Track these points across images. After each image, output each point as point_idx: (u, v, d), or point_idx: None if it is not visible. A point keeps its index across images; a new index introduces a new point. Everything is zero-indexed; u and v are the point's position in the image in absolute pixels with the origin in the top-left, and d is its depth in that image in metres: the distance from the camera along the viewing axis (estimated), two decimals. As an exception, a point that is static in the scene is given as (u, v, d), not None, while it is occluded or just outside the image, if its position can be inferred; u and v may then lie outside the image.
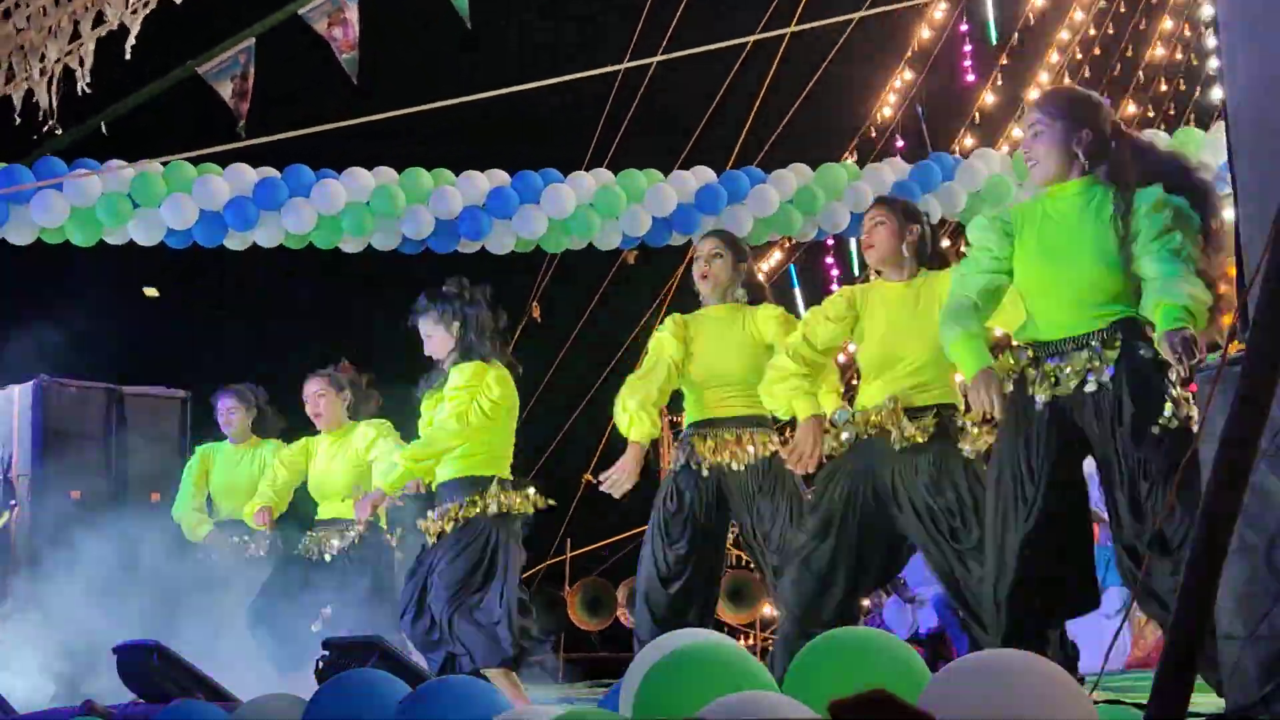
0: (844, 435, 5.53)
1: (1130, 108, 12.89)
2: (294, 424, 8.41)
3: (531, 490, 6.52)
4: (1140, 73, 13.02)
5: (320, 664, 5.68)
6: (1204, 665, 3.48)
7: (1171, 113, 12.60)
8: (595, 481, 6.65)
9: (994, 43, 13.19)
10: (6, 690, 6.74)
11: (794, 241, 12.05)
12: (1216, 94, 9.98)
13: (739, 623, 11.53)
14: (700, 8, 11.27)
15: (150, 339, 11.66)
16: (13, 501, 9.15)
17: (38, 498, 9.11)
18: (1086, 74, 13.28)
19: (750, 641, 11.45)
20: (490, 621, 6.15)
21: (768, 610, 11.17)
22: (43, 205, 8.49)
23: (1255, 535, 3.34)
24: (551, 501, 6.63)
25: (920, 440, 5.39)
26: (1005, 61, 13.30)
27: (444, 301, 6.54)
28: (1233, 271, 4.35)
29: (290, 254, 9.25)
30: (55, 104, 7.25)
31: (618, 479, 6.20)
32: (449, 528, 6.36)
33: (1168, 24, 13.08)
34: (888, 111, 13.07)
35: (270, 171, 8.87)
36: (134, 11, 7.10)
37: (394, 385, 7.90)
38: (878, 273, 5.74)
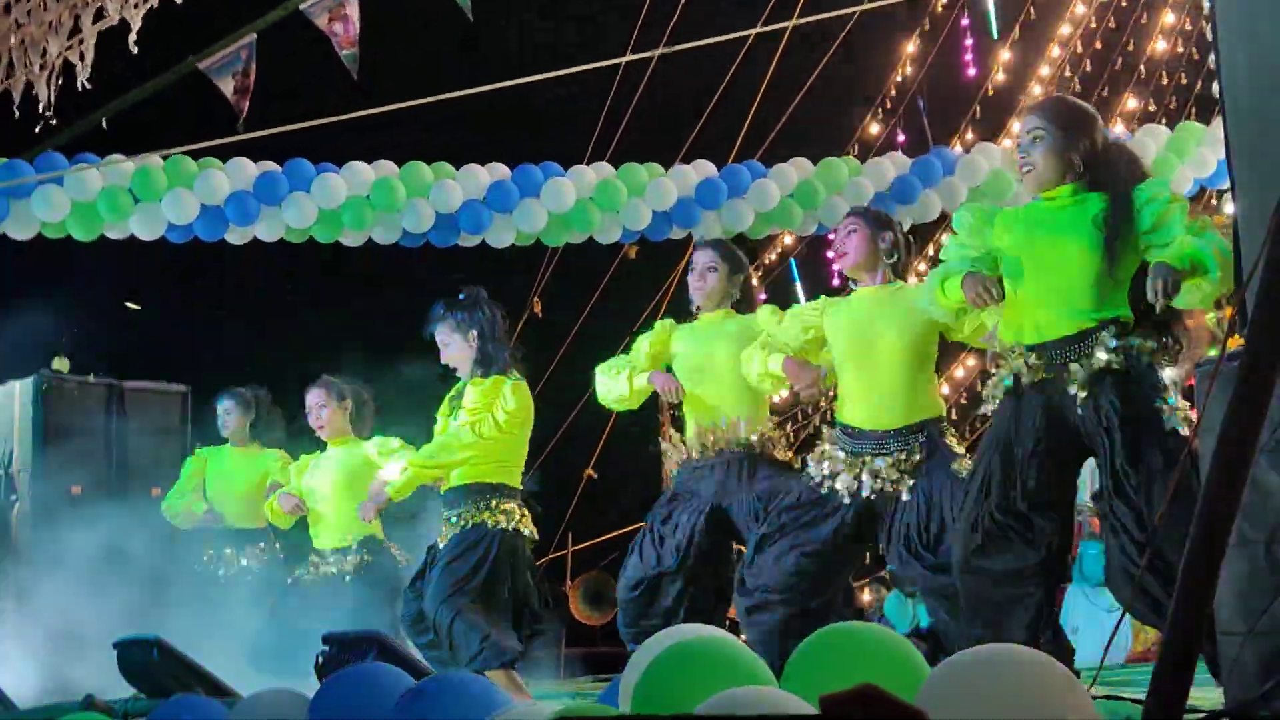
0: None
1: (1131, 102, 12.86)
2: (294, 424, 8.38)
3: (529, 526, 6.52)
4: (1142, 66, 13.00)
5: (320, 659, 5.68)
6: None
7: (1172, 106, 12.57)
8: (595, 476, 6.69)
9: (995, 36, 13.17)
10: (7, 686, 6.74)
11: (795, 237, 12.06)
12: (1218, 88, 9.99)
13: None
14: (701, 2, 11.26)
15: (151, 334, 11.66)
16: (14, 497, 9.16)
17: (38, 492, 9.12)
18: (1088, 68, 13.26)
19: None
20: (486, 627, 6.15)
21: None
22: (44, 200, 8.49)
23: (1255, 530, 3.34)
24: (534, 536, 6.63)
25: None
26: (1007, 55, 13.28)
27: (460, 310, 6.55)
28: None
29: (292, 249, 9.25)
30: (54, 98, 7.25)
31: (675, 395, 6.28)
32: (455, 532, 6.39)
33: (1169, 18, 13.05)
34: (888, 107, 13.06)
35: (271, 166, 8.87)
36: (135, 6, 7.10)
37: (394, 382, 7.90)
38: (853, 281, 5.82)
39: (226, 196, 8.78)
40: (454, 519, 6.42)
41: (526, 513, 6.53)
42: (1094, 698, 2.97)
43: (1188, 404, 4.62)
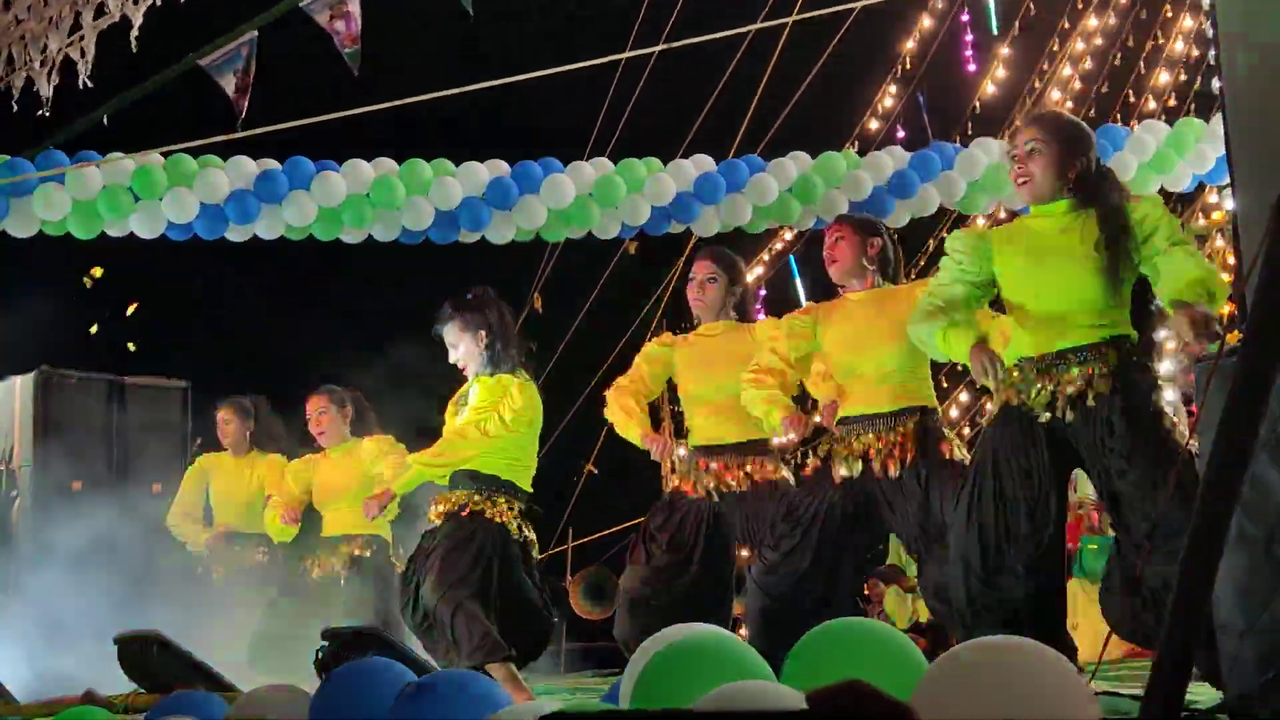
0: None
1: (1131, 97, 12.87)
2: (294, 424, 8.38)
3: (532, 533, 6.50)
4: (1142, 62, 13.00)
5: (319, 654, 5.68)
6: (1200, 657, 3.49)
7: (1172, 103, 12.58)
8: (596, 471, 6.69)
9: (995, 32, 13.17)
10: (6, 680, 6.75)
11: (795, 232, 12.06)
12: (1217, 84, 9.98)
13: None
14: (702, -3, 11.27)
15: (151, 329, 11.66)
16: (14, 493, 9.16)
17: (39, 488, 9.12)
18: (1088, 64, 13.27)
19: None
20: (486, 621, 6.13)
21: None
22: (45, 199, 8.48)
23: (1254, 526, 3.34)
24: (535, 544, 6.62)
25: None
26: (1007, 51, 13.28)
27: (469, 309, 6.52)
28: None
29: (293, 245, 9.24)
30: (51, 94, 7.25)
31: (663, 454, 6.37)
32: (445, 514, 6.34)
33: (1169, 13, 13.05)
34: (889, 102, 13.06)
35: (271, 163, 8.86)
36: (135, 3, 7.10)
37: (392, 379, 7.90)
38: (842, 288, 5.86)
39: (226, 195, 8.76)
40: (452, 499, 6.37)
41: (525, 518, 6.47)
42: (1094, 693, 2.97)
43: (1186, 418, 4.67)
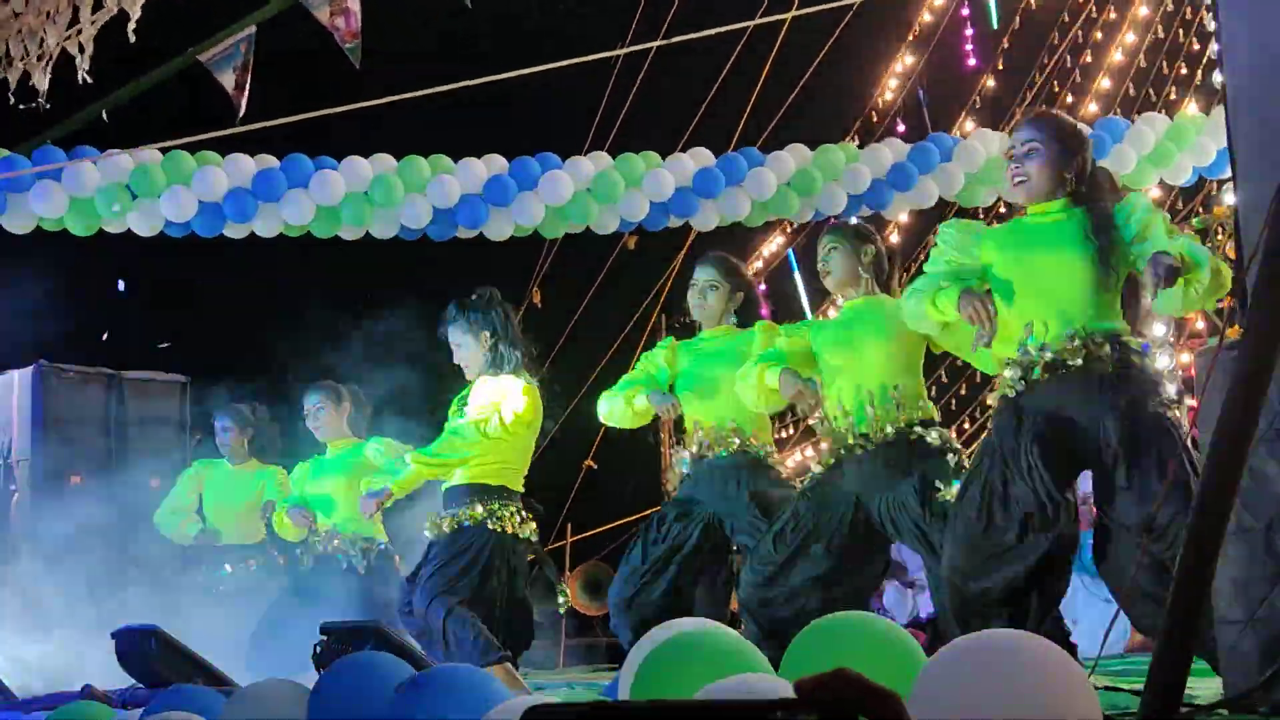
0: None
1: (1130, 91, 12.85)
2: (291, 426, 8.36)
3: (533, 525, 6.50)
4: (1141, 56, 12.98)
5: (318, 649, 5.67)
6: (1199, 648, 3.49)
7: (1172, 96, 12.56)
8: (595, 466, 6.68)
9: (995, 26, 13.16)
10: (5, 676, 6.75)
11: (795, 225, 12.05)
12: (1217, 78, 9.97)
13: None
14: (701, -8, 11.25)
15: (150, 324, 11.66)
16: (12, 487, 9.16)
17: (38, 483, 9.12)
18: (1088, 58, 13.25)
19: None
20: (479, 623, 6.13)
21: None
22: (42, 195, 8.47)
23: (1254, 519, 3.34)
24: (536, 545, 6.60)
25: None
26: (1007, 45, 13.27)
27: (474, 310, 6.51)
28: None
29: (293, 241, 9.24)
30: (47, 88, 7.24)
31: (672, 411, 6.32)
32: (447, 530, 6.36)
33: (1169, 7, 13.03)
34: (889, 96, 13.05)
35: (270, 161, 8.85)
36: (134, -3, 7.09)
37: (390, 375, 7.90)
38: (839, 297, 5.92)
39: (225, 193, 8.75)
40: (452, 515, 6.39)
41: (528, 516, 6.47)
42: (1094, 688, 2.97)
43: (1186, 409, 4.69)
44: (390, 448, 7.49)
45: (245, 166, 8.79)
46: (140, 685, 5.96)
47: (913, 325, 5.15)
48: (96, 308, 10.85)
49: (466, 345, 6.51)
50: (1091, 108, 12.56)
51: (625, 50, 7.94)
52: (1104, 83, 12.99)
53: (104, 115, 8.04)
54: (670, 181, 9.17)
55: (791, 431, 13.02)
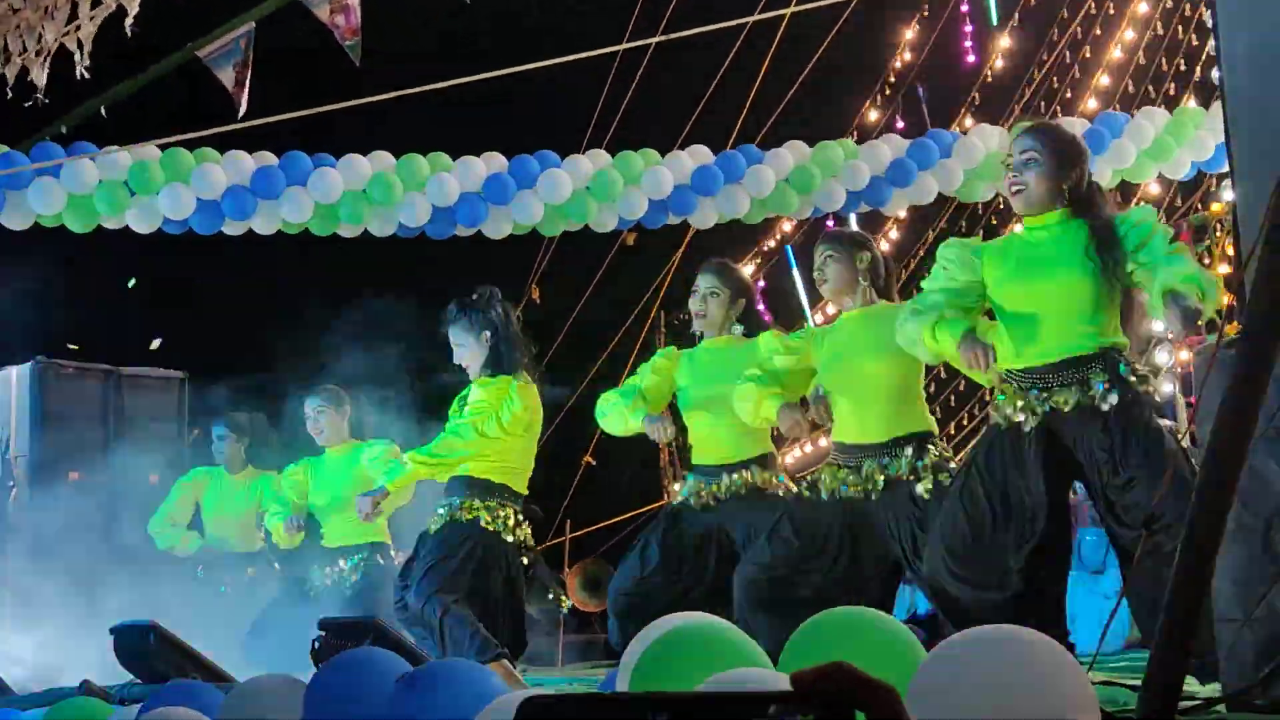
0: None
1: (1130, 87, 12.85)
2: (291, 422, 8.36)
3: (528, 529, 6.49)
4: (1140, 52, 12.97)
5: (316, 644, 5.68)
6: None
7: (1171, 92, 12.56)
8: (594, 463, 6.67)
9: (994, 22, 13.16)
10: (3, 671, 6.74)
11: (794, 223, 12.05)
12: (1216, 74, 9.97)
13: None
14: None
15: (148, 321, 11.65)
16: (10, 483, 9.16)
17: (36, 479, 9.12)
18: (1087, 54, 13.25)
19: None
20: (475, 620, 6.12)
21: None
22: (40, 193, 8.46)
23: (1252, 518, 3.34)
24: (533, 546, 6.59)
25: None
26: (1006, 42, 13.26)
27: (474, 310, 6.50)
28: None
29: (292, 238, 9.23)
30: (45, 84, 7.23)
31: (664, 435, 6.29)
32: (440, 522, 6.35)
33: (1168, 4, 13.03)
34: (887, 92, 13.05)
35: (268, 158, 8.84)
36: (132, -8, 7.08)
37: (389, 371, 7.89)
38: (837, 306, 5.91)
39: (223, 191, 8.74)
40: (448, 507, 6.38)
41: (524, 521, 6.46)
42: (1092, 684, 2.97)
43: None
44: (390, 452, 7.47)
45: (244, 164, 8.78)
46: (138, 680, 5.96)
47: (905, 346, 5.14)
48: (95, 304, 10.83)
49: (466, 345, 6.51)
50: (1090, 104, 12.55)
51: (624, 46, 7.94)
52: (1103, 79, 12.99)
53: (103, 112, 8.04)
54: (669, 179, 9.17)
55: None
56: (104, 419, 9.54)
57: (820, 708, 1.83)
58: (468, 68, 6.40)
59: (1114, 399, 4.66)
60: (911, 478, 5.44)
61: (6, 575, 8.74)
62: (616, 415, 6.37)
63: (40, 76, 7.21)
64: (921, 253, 13.08)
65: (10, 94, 7.36)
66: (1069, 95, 13.03)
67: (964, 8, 13.08)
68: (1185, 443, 4.67)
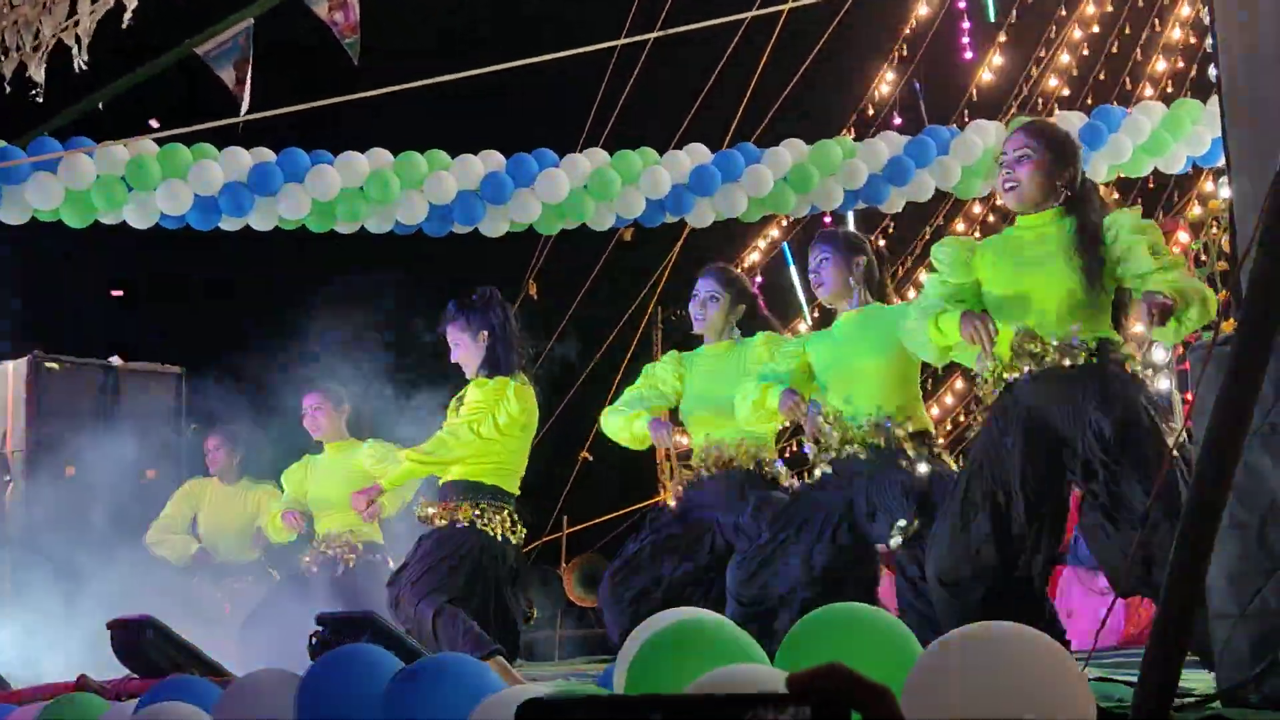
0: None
1: (1128, 85, 12.85)
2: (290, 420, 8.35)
3: (523, 531, 6.49)
4: (1138, 50, 12.98)
5: (314, 639, 5.67)
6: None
7: (1169, 90, 12.56)
8: (591, 459, 6.69)
9: (992, 19, 13.15)
10: (4, 666, 6.74)
11: (790, 220, 12.04)
12: (1213, 71, 9.96)
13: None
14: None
15: (146, 315, 11.65)
16: (7, 478, 9.15)
17: (32, 473, 9.11)
18: (1085, 51, 13.25)
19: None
20: (468, 619, 6.13)
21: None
22: (37, 187, 8.45)
23: (1247, 513, 3.35)
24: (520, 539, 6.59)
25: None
26: (1004, 39, 13.26)
27: (472, 310, 6.50)
28: None
29: (289, 234, 9.22)
30: (43, 79, 7.23)
31: (667, 441, 6.37)
32: (437, 524, 6.35)
33: (1165, 1, 13.04)
34: (885, 90, 13.04)
35: (266, 154, 8.83)
36: (130, -13, 7.08)
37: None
38: (833, 309, 5.93)
39: (220, 187, 8.73)
40: (443, 510, 6.38)
41: (517, 521, 6.46)
42: (1088, 680, 2.98)
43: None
44: (388, 450, 7.46)
45: (241, 160, 8.77)
46: (135, 675, 5.96)
47: (914, 350, 5.16)
48: (92, 299, 10.83)
49: (464, 344, 6.51)
50: (1088, 101, 12.55)
51: (622, 42, 7.94)
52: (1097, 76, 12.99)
53: (100, 107, 8.03)
54: (667, 179, 9.16)
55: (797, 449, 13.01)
56: (100, 414, 9.54)
57: (817, 709, 1.84)
58: (466, 63, 6.41)
59: (1106, 394, 4.67)
60: (904, 464, 5.46)
61: (2, 569, 8.73)
62: (621, 426, 6.38)
63: (38, 72, 7.21)
64: (918, 249, 13.08)
65: (8, 89, 7.36)
66: (1066, 93, 13.04)
67: (961, 4, 13.08)
68: (1181, 438, 4.68)
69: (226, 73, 7.50)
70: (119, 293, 11.70)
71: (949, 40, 13.09)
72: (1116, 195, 10.02)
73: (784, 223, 12.84)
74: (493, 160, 9.14)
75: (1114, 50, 13.21)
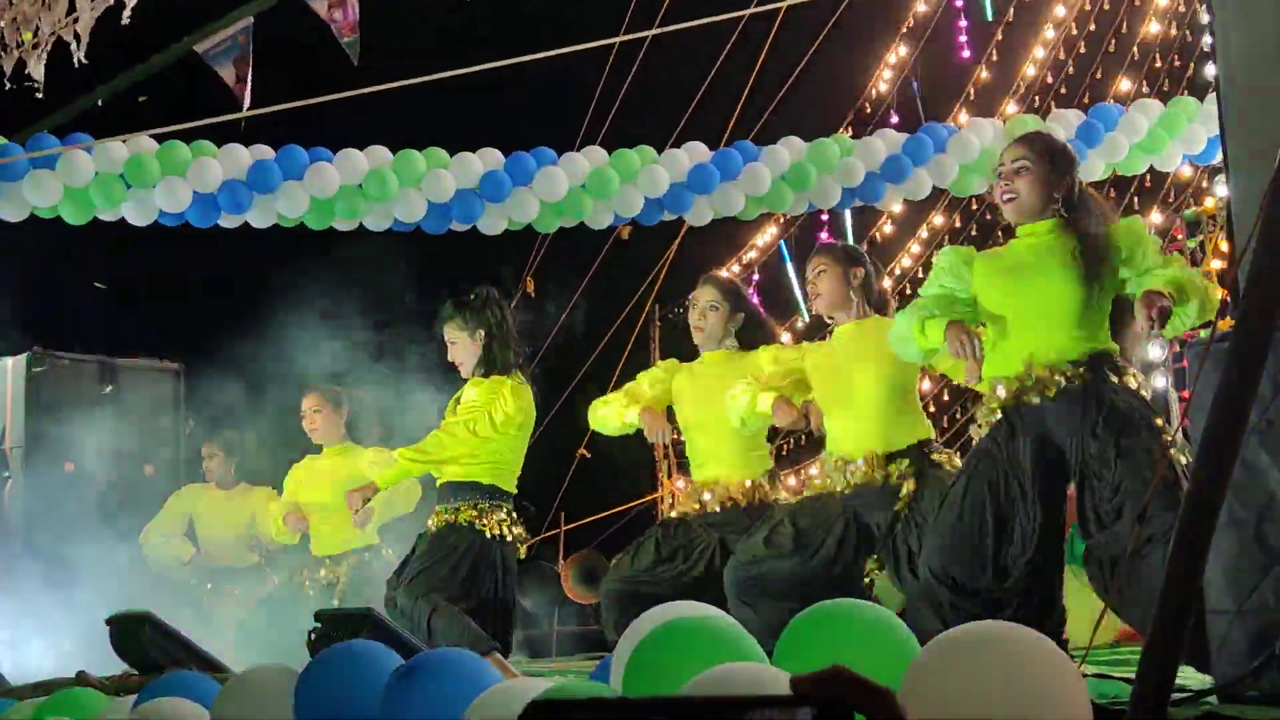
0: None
1: (1124, 84, 12.85)
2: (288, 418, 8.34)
3: (521, 529, 6.49)
4: (1135, 48, 12.98)
5: (312, 635, 5.68)
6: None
7: (1166, 88, 12.56)
8: (589, 456, 6.70)
9: (989, 17, 13.15)
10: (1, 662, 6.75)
11: (787, 219, 12.05)
12: (1210, 70, 9.97)
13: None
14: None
15: (144, 311, 11.64)
16: (5, 474, 9.15)
17: (30, 469, 9.12)
18: (1082, 49, 13.25)
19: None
20: (465, 617, 6.13)
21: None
22: (36, 185, 8.44)
23: (1244, 510, 3.36)
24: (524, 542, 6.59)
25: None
26: (1000, 37, 13.26)
27: (470, 309, 6.51)
28: None
29: (288, 231, 9.22)
30: (42, 75, 7.23)
31: (661, 435, 6.39)
32: (436, 526, 6.36)
33: (1162, 1, 13.03)
34: (883, 87, 13.04)
35: (265, 152, 8.82)
36: (130, -17, 7.08)
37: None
38: (830, 319, 5.93)
39: (219, 185, 8.72)
40: (442, 513, 6.39)
41: (516, 519, 6.47)
42: (1084, 676, 2.99)
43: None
44: (385, 454, 7.44)
45: (240, 158, 8.76)
46: (134, 671, 5.97)
47: (897, 348, 5.17)
48: (91, 295, 10.83)
49: (461, 343, 6.52)
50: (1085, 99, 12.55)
51: (620, 39, 7.95)
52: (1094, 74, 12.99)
53: (99, 104, 8.03)
54: (665, 178, 9.15)
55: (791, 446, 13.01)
56: (99, 410, 9.54)
57: (820, 711, 1.84)
58: (465, 62, 6.41)
59: (1103, 403, 4.70)
60: (901, 482, 5.49)
61: (2, 564, 8.73)
62: (610, 414, 6.40)
63: (37, 69, 7.21)
64: (915, 247, 13.09)
65: (7, 86, 7.36)
66: (1063, 91, 13.03)
67: (958, 2, 13.07)
68: (1178, 437, 4.70)
69: (226, 71, 7.50)
70: (102, 286, 11.68)
71: (946, 39, 13.08)
72: (1113, 193, 10.03)
73: (781, 220, 12.84)
74: (491, 158, 9.14)
75: (1111, 49, 13.20)
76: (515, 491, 6.50)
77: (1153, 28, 12.89)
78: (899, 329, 5.06)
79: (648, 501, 12.22)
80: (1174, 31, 12.98)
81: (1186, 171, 11.62)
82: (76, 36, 7.20)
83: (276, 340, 8.84)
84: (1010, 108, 12.59)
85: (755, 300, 7.07)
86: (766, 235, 13.28)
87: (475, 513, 6.31)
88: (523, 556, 6.55)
